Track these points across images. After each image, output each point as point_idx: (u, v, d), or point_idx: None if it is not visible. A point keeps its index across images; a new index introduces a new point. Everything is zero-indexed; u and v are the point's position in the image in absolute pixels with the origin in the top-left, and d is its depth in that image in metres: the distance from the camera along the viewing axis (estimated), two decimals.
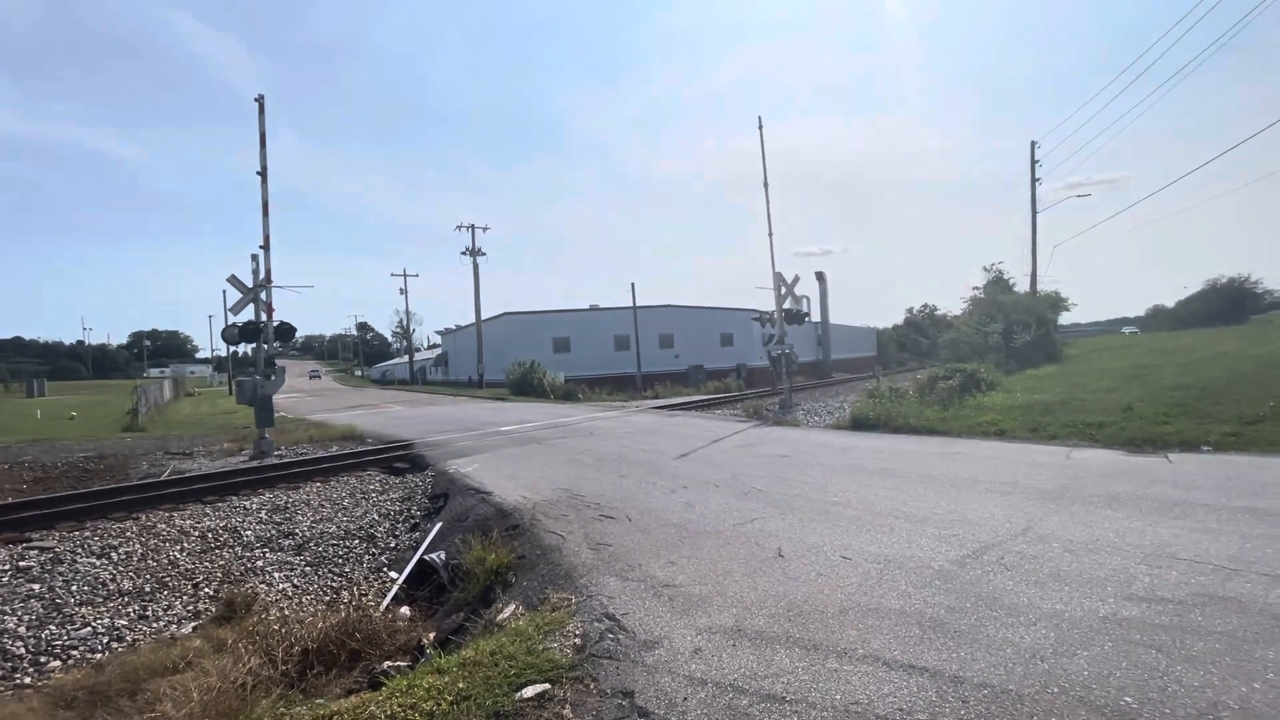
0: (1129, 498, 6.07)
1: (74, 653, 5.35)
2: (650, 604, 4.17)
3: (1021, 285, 33.54)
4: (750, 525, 5.90)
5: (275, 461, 12.07)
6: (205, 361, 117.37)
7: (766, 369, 27.87)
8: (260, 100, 14.80)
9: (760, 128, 18.82)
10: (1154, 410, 10.69)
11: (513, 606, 4.75)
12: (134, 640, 5.64)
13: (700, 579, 4.55)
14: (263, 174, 14.69)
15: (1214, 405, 10.47)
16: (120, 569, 6.79)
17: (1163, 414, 10.37)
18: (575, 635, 3.84)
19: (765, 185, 18.54)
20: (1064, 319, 32.49)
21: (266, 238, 14.52)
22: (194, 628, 5.90)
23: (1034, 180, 33.43)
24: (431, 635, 5.47)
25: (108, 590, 6.35)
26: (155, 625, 5.92)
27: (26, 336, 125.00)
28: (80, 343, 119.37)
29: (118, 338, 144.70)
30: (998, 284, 34.37)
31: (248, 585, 6.73)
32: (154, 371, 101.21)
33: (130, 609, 6.11)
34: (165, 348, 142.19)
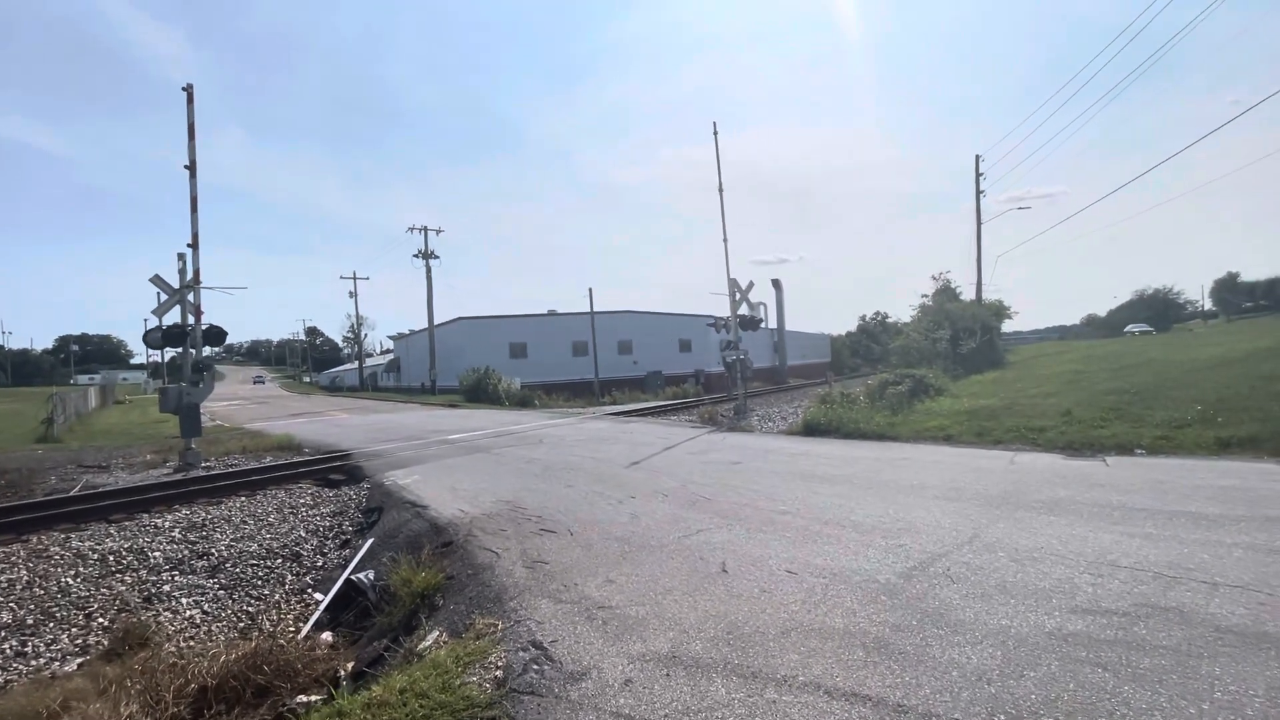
0: (1070, 503, 6.08)
1: None
2: (582, 629, 3.86)
3: (967, 293, 34.67)
4: (696, 537, 5.66)
5: (199, 475, 11.24)
6: (140, 368, 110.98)
7: (724, 375, 27.93)
8: (189, 89, 13.92)
9: (715, 134, 18.84)
10: (1091, 414, 10.98)
11: (435, 634, 4.37)
12: (6, 681, 5.00)
13: (639, 599, 4.27)
14: (191, 168, 13.78)
15: (1145, 409, 10.82)
16: (0, 599, 6.07)
17: (1099, 418, 10.65)
18: (497, 667, 3.51)
19: (720, 190, 18.54)
20: (1006, 326, 33.67)
21: (195, 235, 13.62)
22: (79, 664, 5.29)
23: (979, 193, 34.64)
24: (350, 665, 5.03)
25: None
26: (35, 663, 5.28)
27: None
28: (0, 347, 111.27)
29: (43, 342, 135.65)
30: (945, 292, 35.42)
31: (148, 614, 6.12)
32: (83, 378, 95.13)
33: (7, 645, 5.44)
34: (96, 353, 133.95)
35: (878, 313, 78.55)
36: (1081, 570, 4.25)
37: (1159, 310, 74.29)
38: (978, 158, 34.68)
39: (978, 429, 11.19)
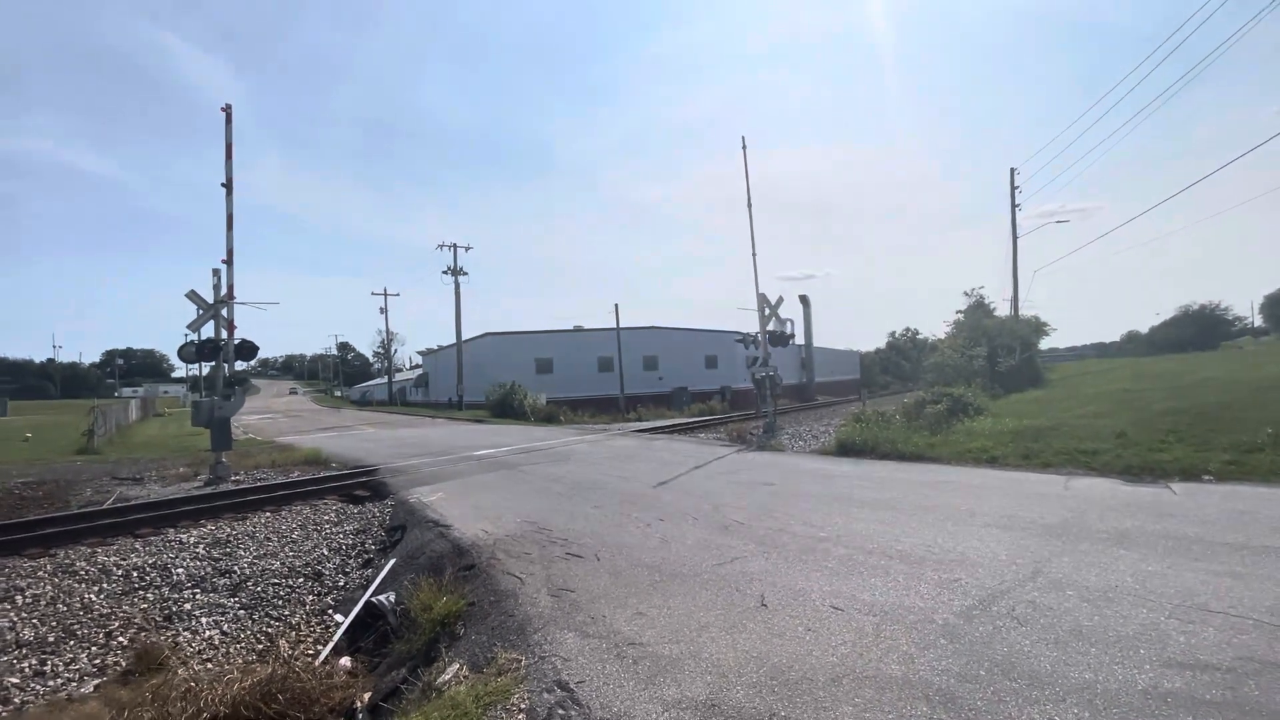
0: (1141, 535, 5.58)
1: None
2: (612, 668, 3.56)
3: (1002, 309, 33.65)
4: (730, 566, 5.32)
5: (227, 489, 11.26)
6: (180, 381, 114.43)
7: (751, 391, 27.42)
8: (227, 109, 14.24)
9: (744, 149, 18.61)
10: (1148, 436, 10.32)
11: (456, 666, 4.11)
12: (23, 703, 4.89)
13: (672, 635, 3.95)
14: (228, 186, 14.05)
15: (1209, 432, 10.13)
16: (24, 615, 6.01)
17: (1158, 441, 9.99)
18: (520, 710, 3.23)
19: (749, 205, 18.27)
20: (1043, 343, 32.52)
21: (230, 251, 13.83)
22: (96, 686, 5.16)
23: (1014, 206, 33.75)
24: (366, 697, 4.79)
25: (4, 641, 5.57)
26: (53, 683, 5.17)
27: None
28: (51, 361, 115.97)
29: (91, 356, 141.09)
30: (979, 308, 34.45)
31: (168, 634, 6.00)
32: (126, 391, 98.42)
33: (27, 664, 5.35)
34: (140, 366, 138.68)
35: (908, 329, 76.99)
36: (1167, 615, 3.80)
37: (1205, 327, 71.20)
38: (1012, 171, 33.88)
39: (1024, 450, 10.61)
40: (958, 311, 34.81)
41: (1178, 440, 9.93)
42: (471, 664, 4.07)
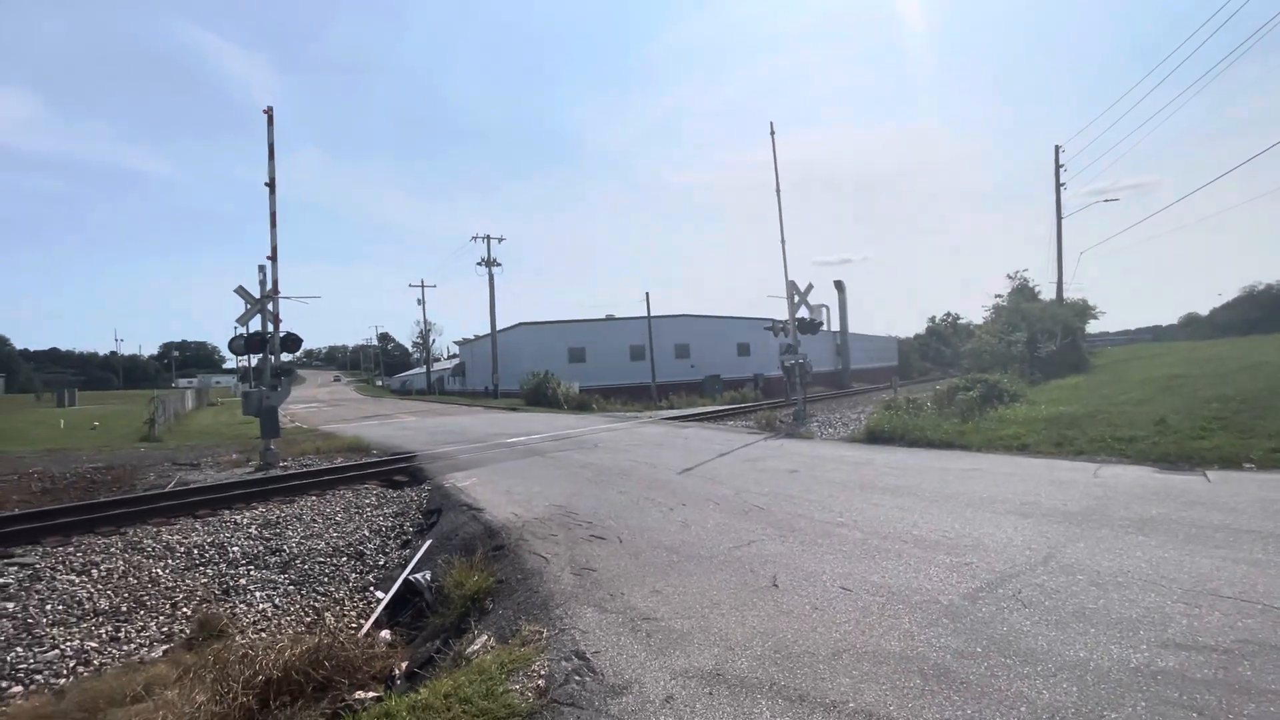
0: (1163, 521, 5.55)
1: (37, 677, 5.12)
2: (626, 640, 3.80)
3: (1047, 293, 32.56)
4: (747, 549, 5.50)
5: (276, 474, 11.93)
6: (231, 372, 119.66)
7: (784, 379, 27.33)
8: (269, 112, 14.85)
9: (772, 134, 18.48)
10: (1190, 424, 10.03)
11: (484, 638, 4.41)
12: (101, 665, 5.41)
13: (685, 611, 4.17)
14: (271, 185, 14.70)
15: (1256, 419, 9.79)
16: (99, 587, 6.60)
17: (1199, 428, 9.71)
18: (540, 676, 3.50)
19: (777, 191, 18.16)
20: (1091, 327, 31.37)
21: (274, 248, 14.50)
22: (164, 651, 5.66)
23: (1059, 185, 32.54)
24: (404, 665, 5.16)
25: (83, 610, 6.15)
26: (126, 648, 5.69)
27: (63, 348, 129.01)
28: (113, 354, 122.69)
29: (149, 349, 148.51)
30: (1022, 291, 33.39)
31: (226, 606, 6.50)
32: (182, 382, 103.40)
33: (103, 630, 5.90)
34: (194, 358, 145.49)
35: (948, 314, 75.04)
36: (1175, 599, 3.84)
37: (1273, 309, 67.27)
38: (1057, 148, 32.62)
39: (1057, 438, 10.44)
40: (998, 295, 33.82)
41: (1221, 428, 9.63)
42: (498, 636, 4.36)
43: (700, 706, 3.01)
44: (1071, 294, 31.38)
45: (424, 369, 74.86)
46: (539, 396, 33.89)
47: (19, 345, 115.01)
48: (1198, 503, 6.15)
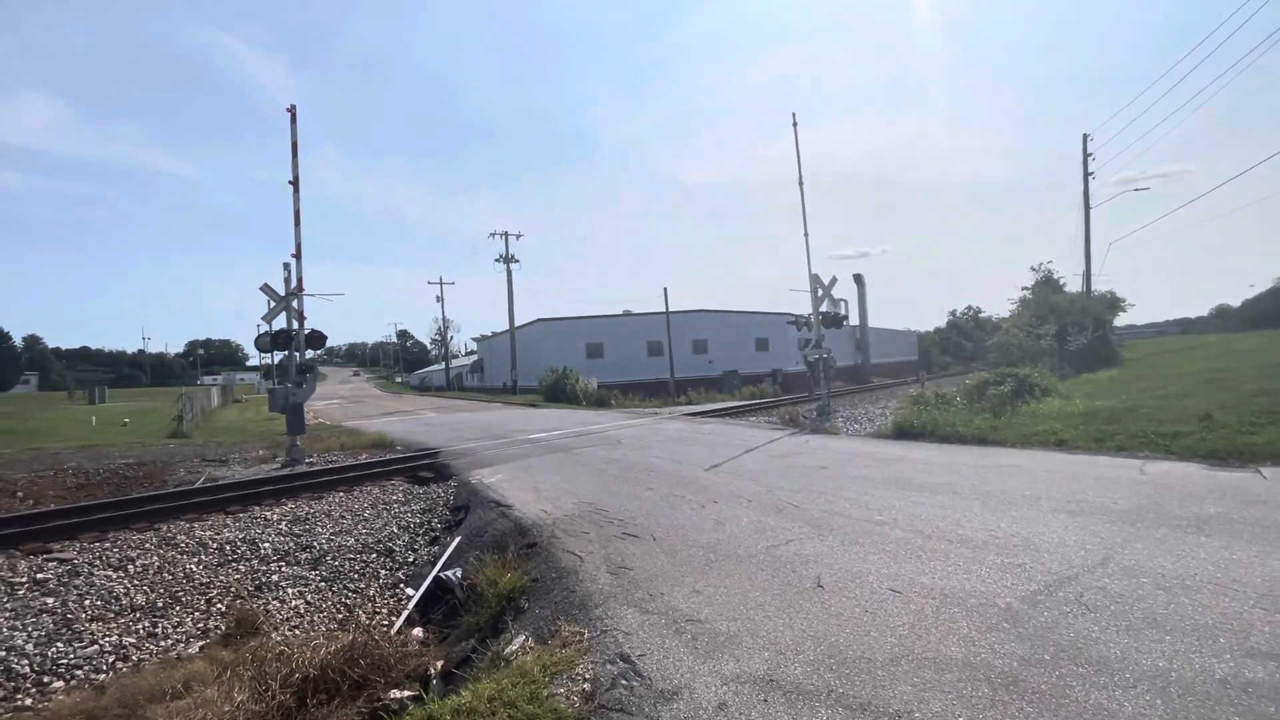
0: (1224, 521, 5.30)
1: (78, 672, 5.15)
2: (671, 643, 3.69)
3: (1073, 285, 31.80)
4: (786, 548, 5.36)
5: (303, 470, 12.01)
6: (255, 369, 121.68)
7: (803, 374, 27.01)
8: (292, 110, 14.90)
9: (795, 125, 18.19)
10: (1237, 419, 9.66)
11: (522, 638, 4.33)
12: (139, 660, 5.43)
13: (728, 613, 4.05)
14: (294, 183, 14.77)
15: None
16: (136, 582, 6.65)
17: (1248, 423, 9.35)
18: (584, 679, 3.40)
19: (800, 184, 17.88)
20: (1119, 320, 30.59)
21: (298, 246, 14.57)
22: (201, 647, 5.67)
23: (1086, 175, 31.74)
24: (439, 664, 5.11)
25: (120, 605, 6.19)
26: (163, 644, 5.71)
27: (93, 347, 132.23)
28: (141, 352, 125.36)
29: (175, 346, 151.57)
30: (1047, 284, 32.66)
31: (259, 602, 6.51)
32: (207, 379, 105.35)
33: (140, 626, 5.93)
34: (219, 356, 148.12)
35: (969, 307, 73.87)
36: (1251, 604, 3.63)
37: None
38: (1085, 137, 31.80)
39: (1096, 433, 10.12)
40: (1024, 288, 33.13)
41: (1270, 423, 9.26)
42: (536, 636, 4.28)
43: (756, 715, 2.89)
44: (1099, 286, 30.65)
45: (443, 365, 75.47)
46: (557, 392, 33.91)
47: (51, 344, 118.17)
48: (1258, 501, 5.88)
